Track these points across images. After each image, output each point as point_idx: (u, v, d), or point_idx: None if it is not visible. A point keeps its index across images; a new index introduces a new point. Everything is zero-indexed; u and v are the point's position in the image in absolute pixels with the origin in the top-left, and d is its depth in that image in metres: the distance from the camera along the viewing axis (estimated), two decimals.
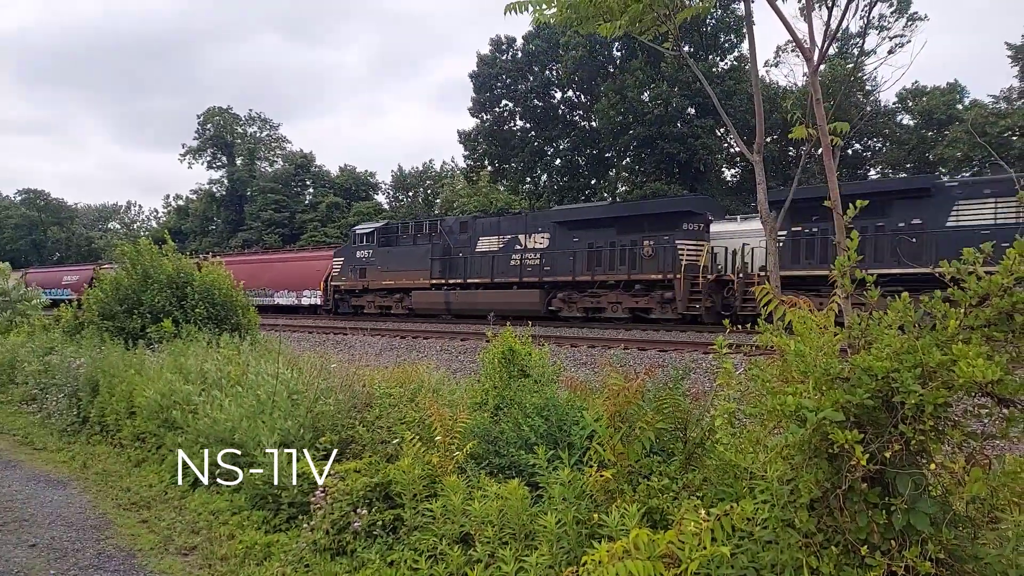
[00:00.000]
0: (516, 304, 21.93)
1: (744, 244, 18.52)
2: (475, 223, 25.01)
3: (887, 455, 2.14)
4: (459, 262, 24.08)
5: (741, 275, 17.75)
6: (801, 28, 4.46)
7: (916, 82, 37.49)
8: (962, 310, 2.22)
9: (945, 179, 17.58)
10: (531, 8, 4.81)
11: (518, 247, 22.83)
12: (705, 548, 2.37)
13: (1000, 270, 2.17)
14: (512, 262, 22.65)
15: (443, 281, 24.18)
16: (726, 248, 19.05)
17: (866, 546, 2.19)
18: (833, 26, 4.34)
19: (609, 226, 20.95)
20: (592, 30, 4.89)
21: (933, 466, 2.17)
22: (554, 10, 4.80)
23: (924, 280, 10.56)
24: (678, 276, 18.51)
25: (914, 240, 14.75)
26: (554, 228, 22.04)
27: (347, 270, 27.88)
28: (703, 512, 2.51)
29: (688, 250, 18.92)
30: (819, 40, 4.35)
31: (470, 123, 46.03)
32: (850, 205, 2.90)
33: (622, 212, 21.70)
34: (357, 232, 28.77)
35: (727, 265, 18.84)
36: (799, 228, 16.86)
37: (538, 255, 22.12)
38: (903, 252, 14.32)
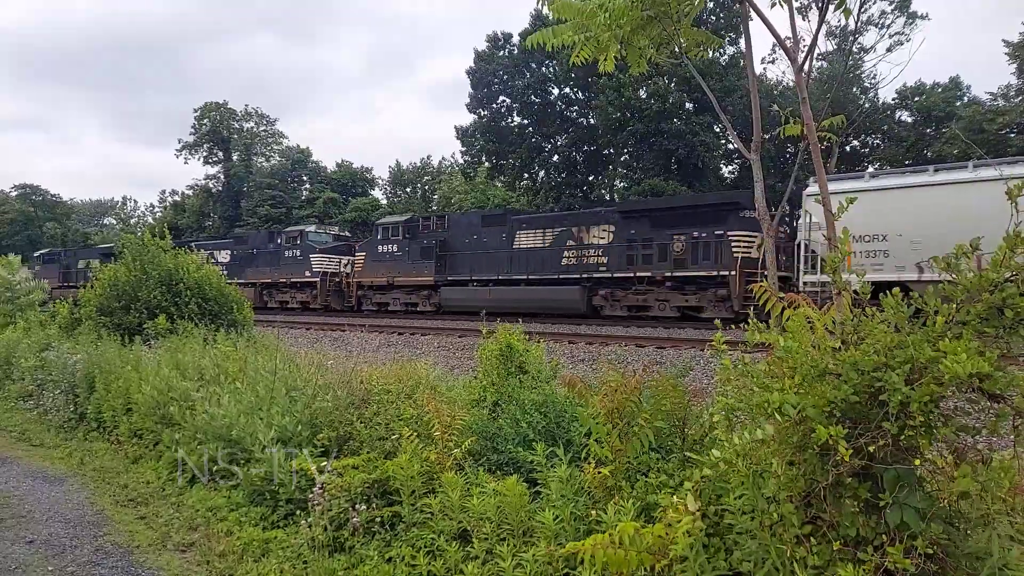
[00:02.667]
0: None
1: None
2: (81, 251, 42.92)
3: (871, 449, 2.15)
4: (72, 274, 39.48)
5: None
6: (800, 25, 4.48)
7: (919, 80, 37.54)
8: (953, 306, 2.23)
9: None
10: (551, 41, 4.87)
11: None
12: (691, 535, 2.38)
13: (991, 265, 2.19)
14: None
15: (64, 284, 37.53)
16: None
17: (855, 541, 2.21)
18: (825, 26, 4.35)
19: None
20: (598, 54, 4.89)
21: (918, 462, 2.18)
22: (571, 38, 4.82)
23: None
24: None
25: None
26: (103, 257, 34.70)
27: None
28: (691, 497, 2.51)
29: None
30: (815, 39, 4.37)
31: (467, 120, 45.99)
32: (840, 203, 2.94)
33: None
34: (34, 255, 43.95)
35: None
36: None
37: (98, 268, 37.15)
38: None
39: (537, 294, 21.65)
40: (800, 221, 16.74)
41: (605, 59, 4.76)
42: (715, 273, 18.05)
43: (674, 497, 2.53)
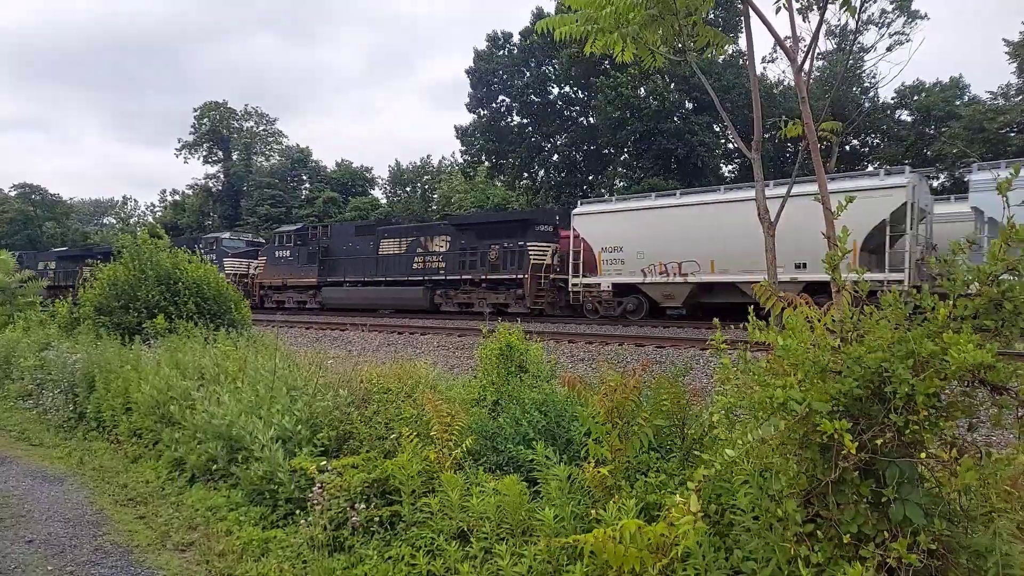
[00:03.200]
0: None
1: None
2: (40, 255, 44.89)
3: (878, 442, 2.14)
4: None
5: None
6: (800, 25, 4.48)
7: (917, 79, 37.54)
8: (951, 300, 2.23)
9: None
10: (560, 29, 4.89)
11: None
12: (691, 534, 2.38)
13: (987, 259, 2.18)
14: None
15: None
16: None
17: (858, 538, 2.20)
18: (825, 26, 4.35)
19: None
20: (610, 48, 4.87)
21: (923, 455, 2.18)
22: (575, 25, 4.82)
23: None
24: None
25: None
26: (58, 260, 41.14)
27: None
28: (694, 497, 2.51)
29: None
30: (815, 39, 4.37)
31: (467, 120, 45.97)
32: (839, 202, 2.95)
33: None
34: None
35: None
36: None
37: (53, 271, 40.26)
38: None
39: (394, 293, 25.80)
40: (571, 235, 20.84)
41: (623, 50, 4.77)
42: (516, 276, 21.94)
43: (676, 496, 2.53)
